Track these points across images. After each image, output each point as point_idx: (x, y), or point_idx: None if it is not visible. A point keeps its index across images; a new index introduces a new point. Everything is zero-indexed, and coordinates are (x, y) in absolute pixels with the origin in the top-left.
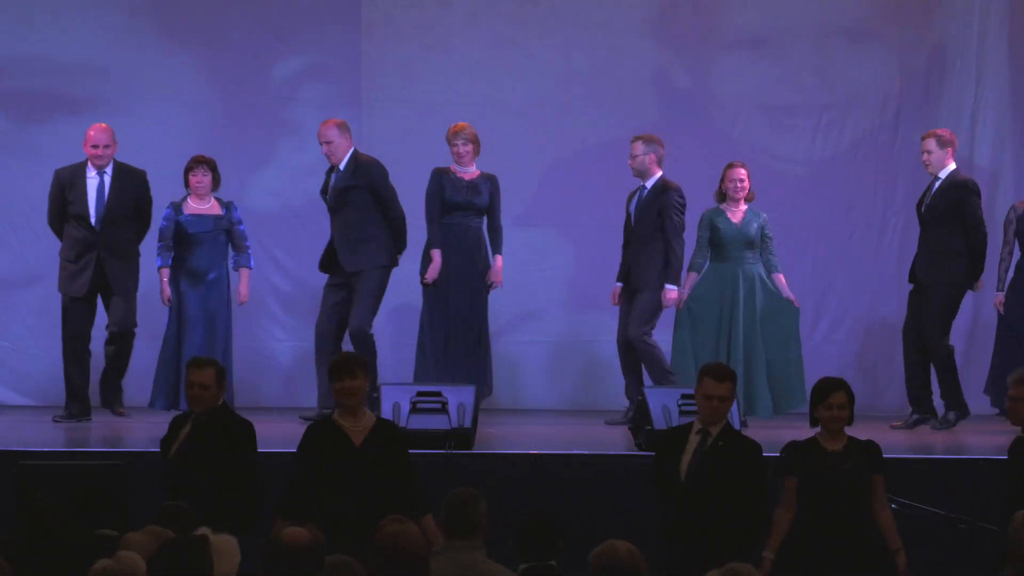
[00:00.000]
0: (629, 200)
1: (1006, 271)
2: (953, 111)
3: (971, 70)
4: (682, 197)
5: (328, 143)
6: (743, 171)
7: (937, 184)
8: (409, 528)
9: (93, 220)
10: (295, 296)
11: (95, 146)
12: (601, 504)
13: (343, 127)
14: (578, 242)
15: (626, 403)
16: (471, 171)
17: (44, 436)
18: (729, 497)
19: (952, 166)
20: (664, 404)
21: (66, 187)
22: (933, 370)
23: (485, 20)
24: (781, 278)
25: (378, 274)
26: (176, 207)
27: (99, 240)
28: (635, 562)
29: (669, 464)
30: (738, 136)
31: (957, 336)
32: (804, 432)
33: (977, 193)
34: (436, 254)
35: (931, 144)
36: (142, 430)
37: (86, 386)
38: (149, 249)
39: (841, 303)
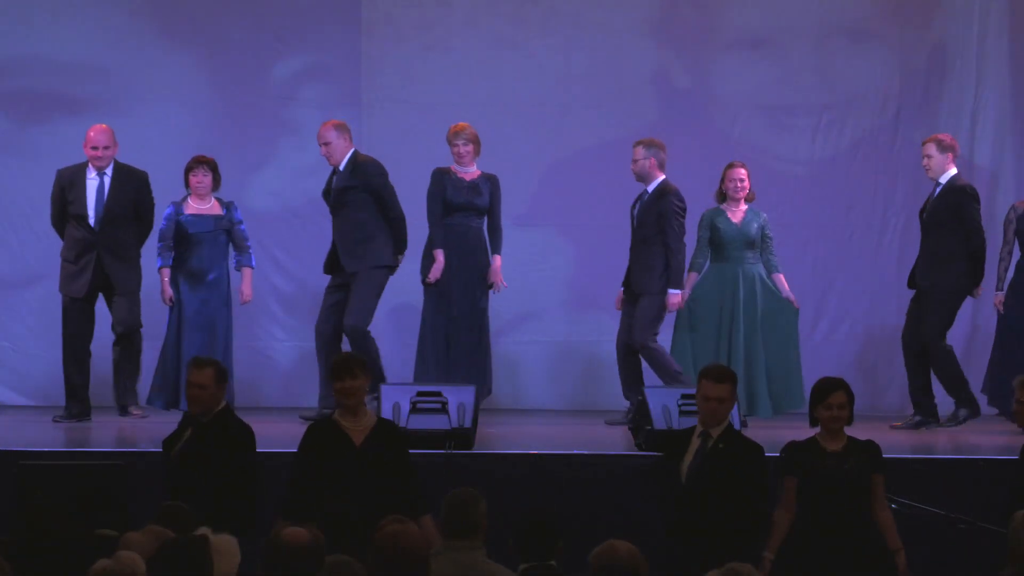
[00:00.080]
0: (633, 205)
1: (1006, 270)
2: (953, 111)
3: (971, 70)
4: (681, 201)
5: (326, 144)
6: (743, 171)
7: (938, 190)
8: (409, 528)
9: (92, 221)
10: (295, 296)
11: (95, 147)
12: (601, 504)
13: (341, 128)
14: (578, 242)
15: (626, 403)
16: (472, 171)
17: (44, 436)
18: (729, 498)
19: (952, 171)
20: (664, 404)
21: (66, 187)
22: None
23: (485, 20)
24: (781, 278)
25: (377, 273)
26: (177, 207)
27: (98, 241)
28: (635, 562)
29: (671, 465)
30: (738, 136)
31: (957, 336)
32: (804, 432)
33: (976, 199)
34: (439, 254)
35: (931, 149)
36: (142, 430)
37: (86, 386)
38: (149, 250)
39: (841, 303)
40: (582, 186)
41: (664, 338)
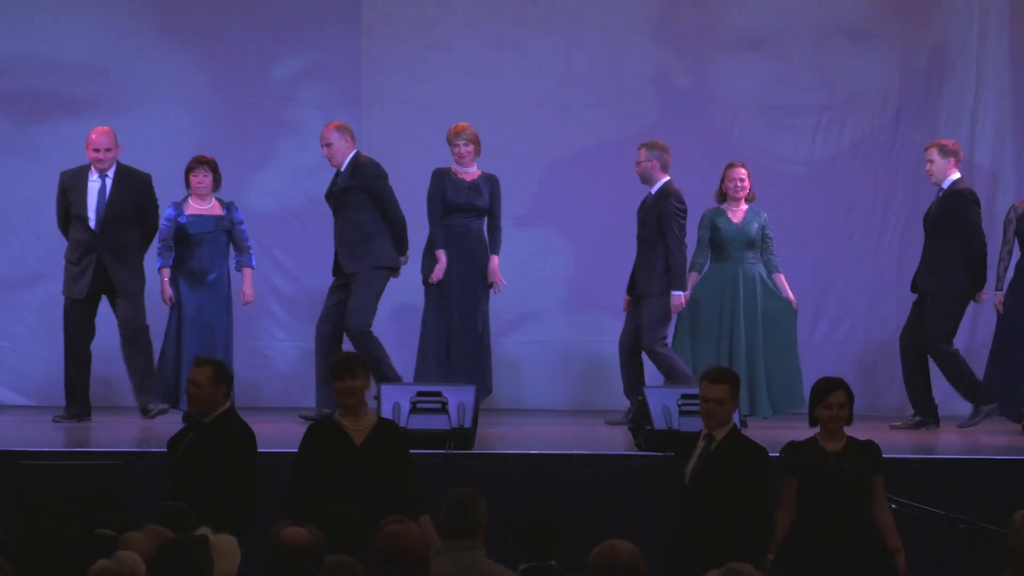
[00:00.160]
0: (640, 208)
1: (1005, 270)
2: (953, 111)
3: (971, 70)
4: (681, 202)
5: (328, 146)
6: (743, 171)
7: (940, 195)
8: (409, 528)
9: (92, 222)
10: (295, 296)
11: (96, 149)
12: (601, 504)
13: (343, 130)
14: (578, 242)
15: (626, 403)
16: (472, 172)
17: (44, 436)
18: (730, 499)
19: (955, 176)
20: (664, 404)
21: (68, 190)
22: (943, 376)
23: (485, 20)
24: (782, 278)
25: (377, 274)
26: (177, 207)
27: (99, 242)
28: (635, 562)
29: (678, 467)
30: (738, 136)
31: (957, 337)
32: (804, 432)
33: (976, 203)
34: (441, 255)
35: (933, 154)
36: (142, 430)
37: (86, 387)
38: (150, 250)
39: (841, 303)
40: (582, 186)
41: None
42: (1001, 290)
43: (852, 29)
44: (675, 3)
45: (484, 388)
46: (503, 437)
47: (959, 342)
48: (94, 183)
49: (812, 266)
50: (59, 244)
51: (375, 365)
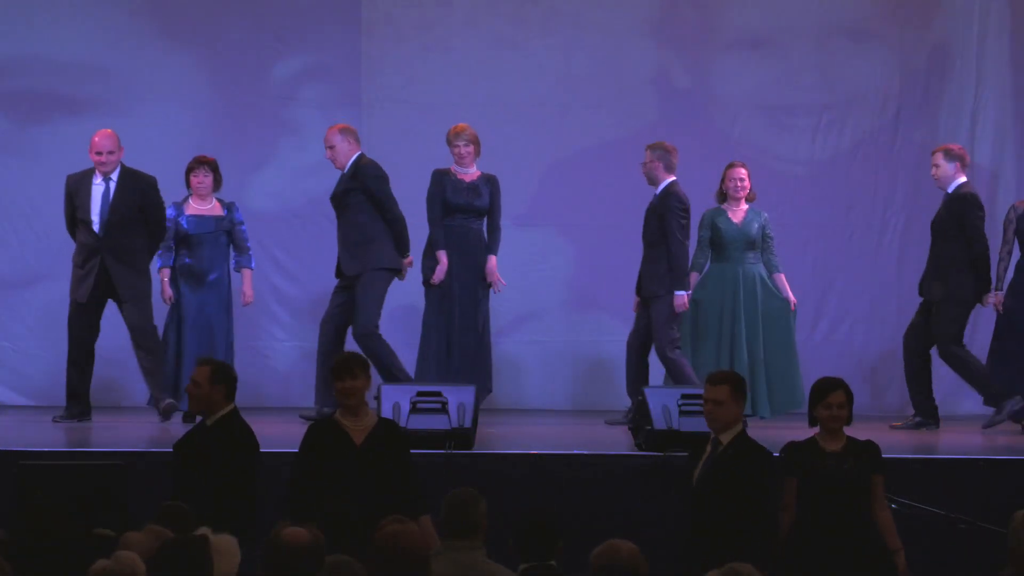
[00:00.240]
0: (647, 208)
1: (1005, 270)
2: (953, 111)
3: (971, 70)
4: (680, 202)
5: (331, 148)
6: (743, 171)
7: (946, 199)
8: (409, 528)
9: (96, 226)
10: (295, 296)
11: (99, 152)
12: (601, 504)
13: (346, 132)
14: (578, 242)
15: (626, 403)
16: (471, 172)
17: (44, 436)
18: (732, 501)
19: (961, 180)
20: (664, 404)
21: (73, 193)
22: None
23: (485, 20)
24: (782, 278)
25: (377, 276)
26: (177, 208)
27: (103, 245)
28: (636, 562)
29: (689, 469)
30: (738, 136)
31: None
32: (804, 432)
33: (978, 206)
34: (442, 255)
35: (939, 158)
36: (142, 430)
37: (88, 388)
38: None
39: (841, 303)
40: (582, 186)
41: None
42: (1001, 290)
43: (852, 29)
44: (675, 3)
45: (484, 388)
46: (503, 437)
47: None
48: (98, 186)
49: (812, 266)
50: (59, 244)
51: (384, 369)
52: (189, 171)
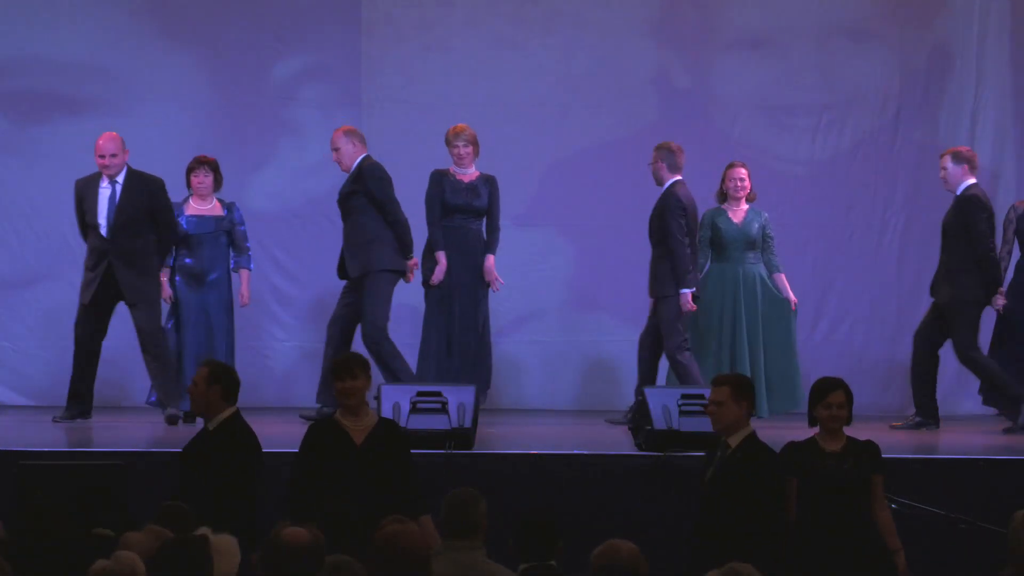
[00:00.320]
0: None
1: (1005, 270)
2: (953, 111)
3: (971, 70)
4: (678, 201)
5: (336, 150)
6: (744, 171)
7: (953, 201)
8: (409, 528)
9: (103, 229)
10: (295, 296)
11: (102, 155)
12: (601, 504)
13: (351, 134)
14: (578, 242)
15: (626, 404)
16: (470, 173)
17: (44, 436)
18: (740, 503)
19: (969, 182)
20: (664, 404)
21: (82, 198)
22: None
23: (485, 20)
24: (783, 278)
25: (381, 277)
26: (178, 208)
27: (110, 248)
28: (636, 562)
29: (703, 471)
30: (738, 136)
31: None
32: (804, 432)
33: (983, 208)
34: (441, 256)
35: (946, 161)
36: (142, 430)
37: (90, 389)
38: None
39: (841, 303)
40: (582, 186)
41: None
42: (1001, 290)
43: (852, 29)
44: (675, 3)
45: (485, 387)
46: (503, 437)
47: None
48: (104, 190)
49: (812, 266)
50: (59, 244)
51: (390, 373)
52: (189, 171)
